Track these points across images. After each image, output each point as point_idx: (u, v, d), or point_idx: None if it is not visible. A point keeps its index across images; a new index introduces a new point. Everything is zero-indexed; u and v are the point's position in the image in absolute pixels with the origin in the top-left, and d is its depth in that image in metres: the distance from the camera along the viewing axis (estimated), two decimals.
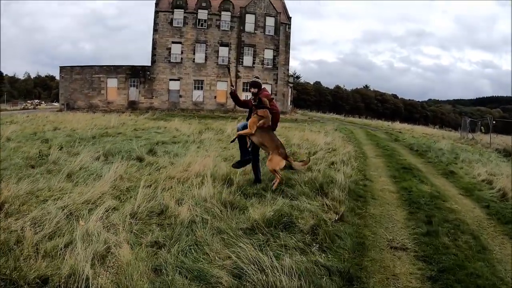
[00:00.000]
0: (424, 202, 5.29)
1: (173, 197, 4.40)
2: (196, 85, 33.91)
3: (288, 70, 37.27)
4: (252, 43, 34.67)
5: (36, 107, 44.25)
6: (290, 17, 36.96)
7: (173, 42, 33.35)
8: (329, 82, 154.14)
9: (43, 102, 58.63)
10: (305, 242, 3.41)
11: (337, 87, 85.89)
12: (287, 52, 36.56)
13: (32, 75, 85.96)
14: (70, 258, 2.72)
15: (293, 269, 2.74)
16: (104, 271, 2.68)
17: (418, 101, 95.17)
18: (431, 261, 3.37)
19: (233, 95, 5.64)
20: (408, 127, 33.15)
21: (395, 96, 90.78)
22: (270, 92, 5.93)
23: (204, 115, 27.83)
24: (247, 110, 5.59)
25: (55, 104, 49.74)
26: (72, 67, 33.04)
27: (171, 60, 33.45)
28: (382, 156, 10.24)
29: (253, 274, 2.66)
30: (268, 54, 35.29)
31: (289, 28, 36.58)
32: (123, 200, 4.31)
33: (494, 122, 21.11)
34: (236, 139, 5.53)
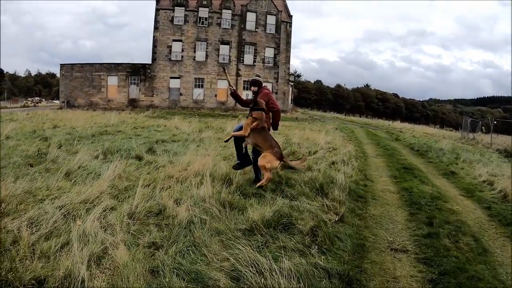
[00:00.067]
0: (425, 203, 5.25)
1: (171, 197, 4.37)
2: (197, 83, 33.84)
3: (289, 68, 37.17)
4: (253, 41, 34.59)
5: (37, 104, 44.22)
6: (291, 16, 36.86)
7: (173, 40, 33.27)
8: (330, 81, 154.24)
9: (43, 99, 58.64)
10: (304, 244, 3.37)
11: (338, 86, 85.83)
12: (288, 50, 36.45)
13: (33, 73, 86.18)
14: (66, 259, 2.69)
15: (292, 271, 2.70)
16: (100, 272, 2.64)
17: (419, 101, 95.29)
18: (432, 264, 3.33)
19: (234, 95, 5.61)
20: (409, 127, 33.13)
21: (395, 95, 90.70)
22: (270, 91, 5.87)
23: (204, 113, 27.77)
24: (249, 109, 5.56)
25: (55, 101, 49.73)
26: (72, 64, 33.00)
27: (172, 58, 33.39)
28: (383, 155, 10.19)
29: (251, 277, 2.62)
30: (269, 52, 35.21)
31: (290, 26, 36.46)
32: (121, 200, 4.26)
33: (495, 122, 21.05)
34: (233, 140, 5.50)
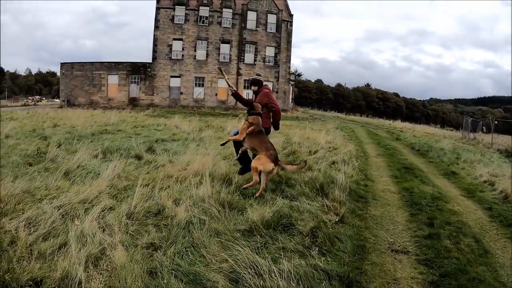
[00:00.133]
0: (426, 203, 5.21)
1: (170, 197, 4.34)
2: (197, 82, 33.81)
3: (289, 67, 37.09)
4: (253, 40, 34.53)
5: (37, 103, 44.26)
6: (292, 15, 36.75)
7: (174, 39, 33.22)
8: (330, 80, 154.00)
9: (44, 98, 58.71)
10: (304, 245, 3.34)
11: (339, 85, 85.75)
12: (288, 49, 36.36)
13: (33, 72, 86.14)
14: (63, 260, 2.66)
15: (291, 273, 2.67)
16: (98, 274, 2.62)
17: (420, 100, 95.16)
18: (433, 265, 3.30)
19: (235, 96, 5.58)
20: (410, 126, 33.08)
21: (396, 94, 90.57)
22: (271, 90, 5.83)
23: (205, 112, 27.72)
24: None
25: (56, 100, 49.77)
26: (72, 63, 32.96)
27: (172, 57, 33.34)
28: (384, 155, 10.16)
29: (250, 278, 2.59)
30: (270, 51, 35.14)
31: (291, 25, 36.38)
32: (120, 200, 4.24)
33: (496, 122, 20.99)
34: (233, 145, 5.44)
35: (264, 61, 34.85)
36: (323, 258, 3.13)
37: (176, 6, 33.10)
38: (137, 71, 33.13)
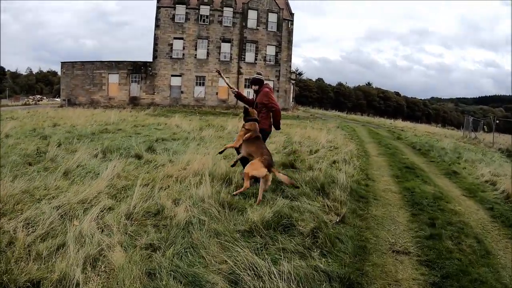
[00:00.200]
0: (427, 203, 5.18)
1: (170, 196, 4.32)
2: (198, 81, 33.76)
3: (290, 66, 37.03)
4: (254, 39, 34.44)
5: (38, 102, 44.26)
6: (293, 14, 36.66)
7: (174, 38, 33.16)
8: (331, 79, 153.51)
9: (44, 97, 58.73)
10: (304, 246, 3.30)
11: (340, 84, 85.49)
12: (289, 48, 36.29)
13: (34, 71, 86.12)
14: (61, 261, 2.64)
15: (291, 274, 2.64)
16: (96, 275, 2.59)
17: (421, 99, 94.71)
18: (434, 266, 3.28)
19: (238, 96, 5.54)
20: (411, 125, 33.03)
21: (397, 93, 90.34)
22: (272, 88, 5.76)
23: (205, 111, 27.68)
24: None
25: (56, 99, 49.78)
26: (73, 62, 32.94)
27: (173, 56, 33.28)
28: (385, 154, 10.12)
29: (249, 280, 2.57)
30: (271, 50, 35.04)
31: (292, 24, 36.30)
32: (119, 200, 4.21)
33: (497, 121, 20.91)
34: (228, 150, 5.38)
35: (265, 60, 34.76)
36: (323, 259, 3.09)
37: (176, 5, 33.02)
38: (137, 70, 33.10)
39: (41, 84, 79.21)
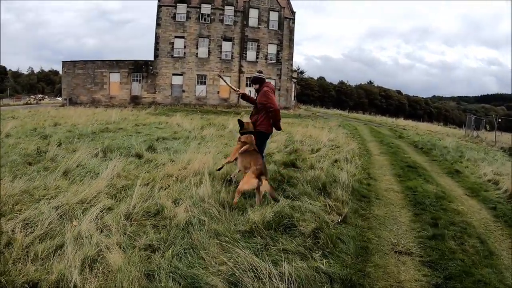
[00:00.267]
0: (430, 203, 5.13)
1: (170, 196, 4.28)
2: (199, 80, 33.71)
3: (291, 65, 36.92)
4: (255, 37, 34.35)
5: (39, 102, 44.35)
6: (294, 12, 36.53)
7: (176, 37, 33.10)
8: (333, 78, 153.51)
9: (46, 96, 58.83)
10: (306, 247, 3.26)
11: (341, 82, 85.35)
12: (290, 47, 36.18)
13: (36, 70, 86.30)
14: (59, 262, 2.61)
15: (292, 276, 2.60)
16: (93, 277, 2.56)
17: (422, 98, 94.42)
18: (437, 267, 3.23)
19: (244, 97, 5.49)
20: (412, 124, 32.94)
21: (399, 92, 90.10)
22: (274, 86, 5.67)
23: (207, 110, 27.65)
24: (252, 106, 5.43)
25: (58, 98, 49.80)
26: (74, 62, 32.98)
27: (174, 55, 33.23)
28: (387, 153, 10.06)
29: (249, 282, 2.53)
30: (272, 49, 34.95)
31: (293, 23, 36.17)
32: (119, 199, 4.18)
33: (499, 120, 20.79)
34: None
35: (266, 59, 34.68)
36: (325, 260, 3.05)
37: (177, 4, 32.95)
38: (139, 69, 33.09)
39: (42, 84, 79.38)
